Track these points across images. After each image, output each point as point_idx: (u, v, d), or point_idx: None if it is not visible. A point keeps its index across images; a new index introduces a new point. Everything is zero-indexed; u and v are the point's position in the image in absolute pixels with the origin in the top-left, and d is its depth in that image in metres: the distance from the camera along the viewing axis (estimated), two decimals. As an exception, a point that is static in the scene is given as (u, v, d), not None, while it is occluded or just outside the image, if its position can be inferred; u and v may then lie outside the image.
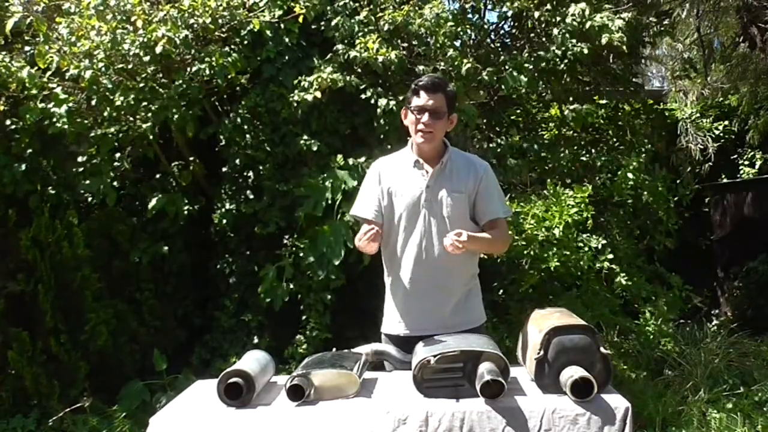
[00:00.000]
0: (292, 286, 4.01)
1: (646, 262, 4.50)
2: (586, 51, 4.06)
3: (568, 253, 3.89)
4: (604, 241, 4.07)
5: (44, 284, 3.87)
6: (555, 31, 4.15)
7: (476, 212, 2.36)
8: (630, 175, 4.44)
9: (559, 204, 3.97)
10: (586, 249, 3.99)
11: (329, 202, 3.90)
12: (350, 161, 4.00)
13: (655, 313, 4.26)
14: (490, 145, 4.87)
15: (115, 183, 4.26)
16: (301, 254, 3.95)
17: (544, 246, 3.94)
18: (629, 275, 4.11)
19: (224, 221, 4.22)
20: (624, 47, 4.04)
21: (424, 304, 2.34)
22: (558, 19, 4.16)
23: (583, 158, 4.84)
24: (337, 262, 3.85)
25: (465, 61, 4.02)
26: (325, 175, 3.96)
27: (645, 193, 4.55)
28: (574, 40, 4.12)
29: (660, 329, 4.28)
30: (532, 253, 3.93)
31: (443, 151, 2.37)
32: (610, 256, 4.05)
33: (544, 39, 4.45)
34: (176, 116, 3.89)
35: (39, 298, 3.86)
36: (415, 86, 2.32)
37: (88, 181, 4.09)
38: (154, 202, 4.18)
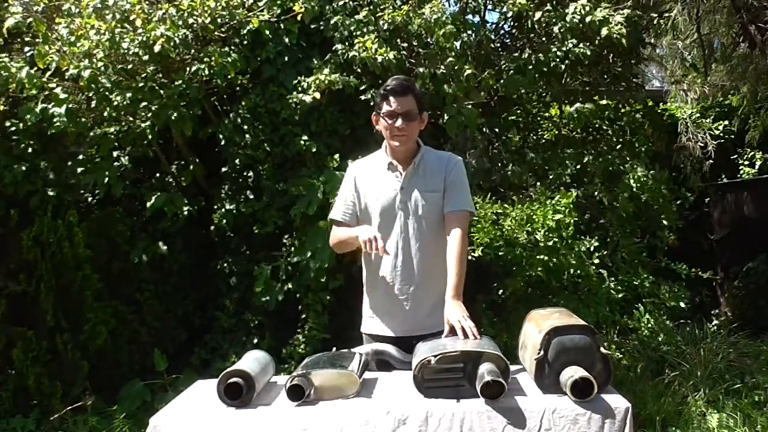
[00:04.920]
0: (290, 285, 4.01)
1: (649, 257, 4.49)
2: (588, 53, 4.06)
3: (555, 260, 3.86)
4: (596, 244, 4.06)
5: (46, 284, 3.88)
6: (555, 29, 4.15)
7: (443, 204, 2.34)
8: (632, 183, 4.44)
9: (543, 207, 3.95)
10: (577, 251, 3.97)
11: (321, 201, 3.89)
12: (349, 162, 3.99)
13: (653, 310, 4.25)
14: (493, 151, 4.86)
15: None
16: (296, 254, 3.95)
17: (531, 251, 3.91)
18: (630, 268, 4.10)
19: (224, 221, 4.22)
20: (623, 40, 4.04)
21: (403, 305, 2.34)
22: (560, 22, 4.16)
23: (586, 160, 4.83)
24: (326, 265, 3.84)
25: (466, 67, 4.01)
26: (323, 176, 3.96)
27: (647, 195, 4.55)
28: (575, 40, 4.12)
29: (660, 326, 4.28)
30: (519, 256, 3.90)
31: (416, 152, 2.37)
32: (603, 252, 4.05)
33: (544, 39, 4.45)
34: (176, 117, 3.89)
35: (41, 297, 3.87)
36: (384, 91, 2.31)
37: (87, 174, 4.08)
38: (153, 200, 4.18)
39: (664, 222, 4.62)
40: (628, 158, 4.79)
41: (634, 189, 4.48)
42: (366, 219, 2.39)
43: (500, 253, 3.84)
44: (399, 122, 2.27)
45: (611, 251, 4.16)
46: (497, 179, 4.49)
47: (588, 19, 4.05)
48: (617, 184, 4.54)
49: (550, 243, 3.88)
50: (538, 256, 3.83)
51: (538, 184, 4.39)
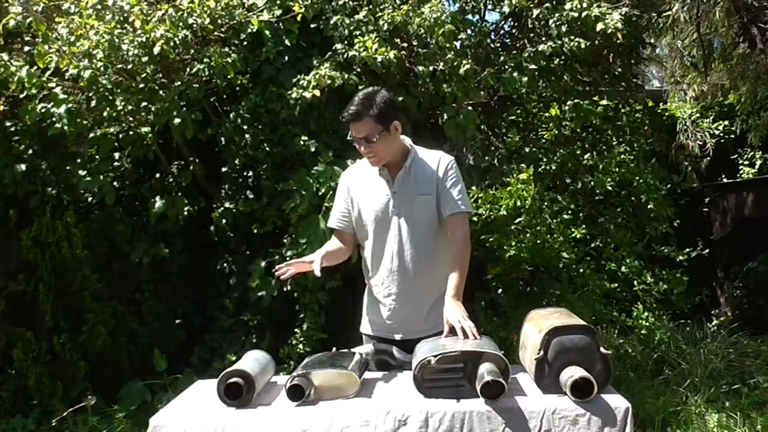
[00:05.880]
0: (289, 286, 4.01)
1: (645, 248, 4.49)
2: (583, 45, 4.06)
3: (538, 241, 3.87)
4: (584, 230, 4.06)
5: (45, 284, 3.88)
6: (551, 22, 4.15)
7: (438, 207, 2.33)
8: (617, 168, 4.46)
9: (514, 185, 3.98)
10: (566, 238, 3.98)
11: (315, 196, 3.88)
12: (348, 162, 3.99)
13: (650, 303, 4.25)
14: (490, 148, 4.87)
15: (115, 183, 4.26)
16: (290, 248, 3.95)
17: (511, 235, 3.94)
18: (624, 256, 4.10)
19: (224, 221, 4.22)
20: (619, 36, 4.04)
21: (401, 308, 2.35)
22: (556, 14, 4.17)
23: (585, 161, 4.84)
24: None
25: (464, 61, 4.01)
26: (320, 171, 3.95)
27: (639, 184, 4.55)
28: (572, 36, 4.13)
29: (659, 325, 4.28)
30: (495, 241, 3.92)
31: (407, 154, 2.36)
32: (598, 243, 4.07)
33: (543, 38, 4.45)
34: (178, 120, 3.88)
35: (40, 298, 3.86)
36: (342, 119, 2.30)
37: (89, 178, 4.08)
38: (156, 206, 4.18)
39: (653, 206, 4.62)
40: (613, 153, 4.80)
41: (617, 175, 4.49)
42: (361, 226, 2.40)
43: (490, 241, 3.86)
44: (362, 147, 2.29)
45: (604, 243, 4.17)
46: (495, 177, 4.48)
47: (584, 14, 4.05)
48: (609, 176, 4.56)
49: (520, 219, 3.88)
50: (517, 238, 3.84)
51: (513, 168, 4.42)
